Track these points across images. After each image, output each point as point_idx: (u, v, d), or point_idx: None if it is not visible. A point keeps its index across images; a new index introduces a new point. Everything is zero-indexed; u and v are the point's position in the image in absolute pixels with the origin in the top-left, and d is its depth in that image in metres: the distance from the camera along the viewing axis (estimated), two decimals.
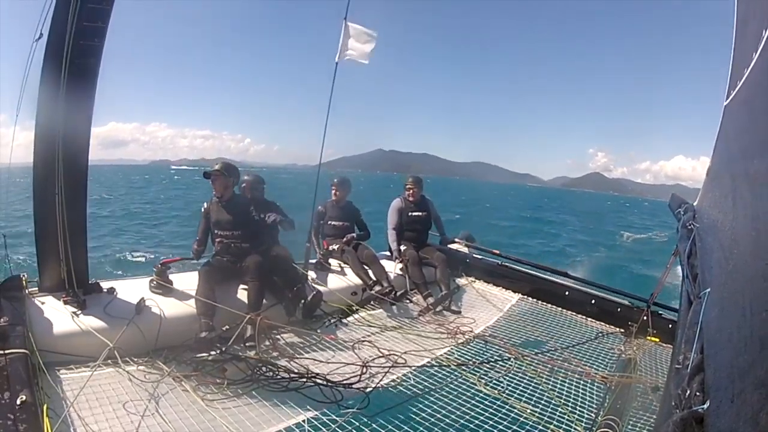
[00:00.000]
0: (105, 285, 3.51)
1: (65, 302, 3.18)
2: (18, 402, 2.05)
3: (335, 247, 5.11)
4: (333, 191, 5.40)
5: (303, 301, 4.01)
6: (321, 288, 4.37)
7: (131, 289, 3.53)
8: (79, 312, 3.12)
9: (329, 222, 5.36)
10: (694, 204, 3.30)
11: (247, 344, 3.42)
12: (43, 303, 3.18)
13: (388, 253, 5.50)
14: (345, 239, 5.17)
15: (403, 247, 5.32)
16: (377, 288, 4.69)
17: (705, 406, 0.95)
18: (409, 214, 5.48)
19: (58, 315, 3.08)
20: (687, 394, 1.04)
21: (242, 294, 3.84)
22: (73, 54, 2.99)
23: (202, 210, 4.11)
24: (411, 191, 5.52)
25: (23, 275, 3.32)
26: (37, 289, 3.34)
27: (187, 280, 3.78)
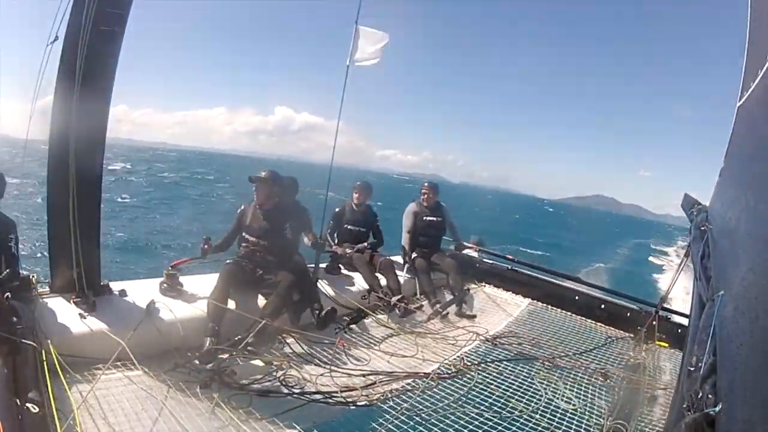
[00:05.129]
0: (116, 286, 3.51)
1: (75, 303, 3.18)
2: (27, 404, 2.05)
3: (348, 251, 5.04)
4: (356, 196, 5.29)
5: (318, 312, 3.90)
6: (330, 292, 4.35)
7: (142, 291, 3.52)
8: (89, 313, 3.11)
9: (346, 226, 5.26)
10: (707, 205, 3.25)
11: (253, 351, 3.30)
12: (53, 304, 3.18)
13: (400, 259, 5.42)
14: (357, 248, 5.05)
15: (413, 255, 5.28)
16: (387, 298, 4.56)
17: (717, 408, 0.93)
18: (424, 218, 5.43)
19: (68, 316, 3.07)
20: (699, 396, 1.03)
21: (260, 303, 3.74)
22: (88, 58, 3.01)
23: (238, 212, 4.02)
24: (426, 196, 5.48)
25: (33, 275, 3.30)
26: (47, 289, 3.35)
27: (198, 283, 3.77)
